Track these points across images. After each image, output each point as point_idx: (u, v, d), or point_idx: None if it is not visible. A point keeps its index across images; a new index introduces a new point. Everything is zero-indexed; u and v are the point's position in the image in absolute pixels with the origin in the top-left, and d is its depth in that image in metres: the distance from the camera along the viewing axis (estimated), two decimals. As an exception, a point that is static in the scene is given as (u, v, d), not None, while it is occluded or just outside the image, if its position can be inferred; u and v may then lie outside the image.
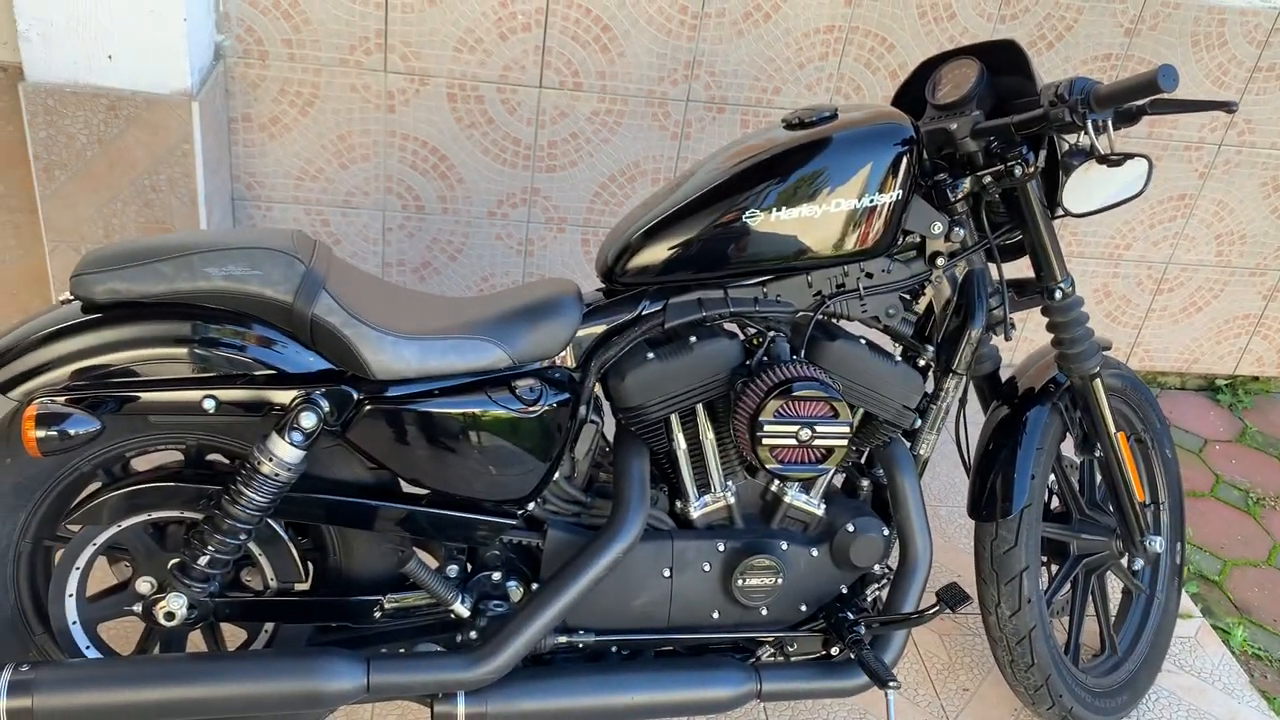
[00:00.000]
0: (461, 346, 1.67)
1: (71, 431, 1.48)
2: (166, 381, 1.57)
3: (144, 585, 1.69)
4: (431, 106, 2.80)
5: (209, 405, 1.58)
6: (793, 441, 1.71)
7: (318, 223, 2.94)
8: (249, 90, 2.71)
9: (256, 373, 1.59)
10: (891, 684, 1.78)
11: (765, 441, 1.70)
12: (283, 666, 1.60)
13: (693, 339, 1.77)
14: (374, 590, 1.76)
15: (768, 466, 1.72)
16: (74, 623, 1.70)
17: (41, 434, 1.46)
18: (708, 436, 1.83)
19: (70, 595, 1.69)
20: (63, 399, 1.51)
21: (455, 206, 2.97)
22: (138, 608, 1.68)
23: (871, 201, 1.74)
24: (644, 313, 1.78)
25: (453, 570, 1.79)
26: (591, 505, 1.85)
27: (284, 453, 1.57)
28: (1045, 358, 2.13)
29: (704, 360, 1.77)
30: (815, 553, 1.89)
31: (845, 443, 1.73)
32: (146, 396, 1.56)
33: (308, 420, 1.57)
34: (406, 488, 1.73)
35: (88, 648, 1.72)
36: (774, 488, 1.89)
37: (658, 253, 1.74)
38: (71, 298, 1.60)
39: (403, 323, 1.66)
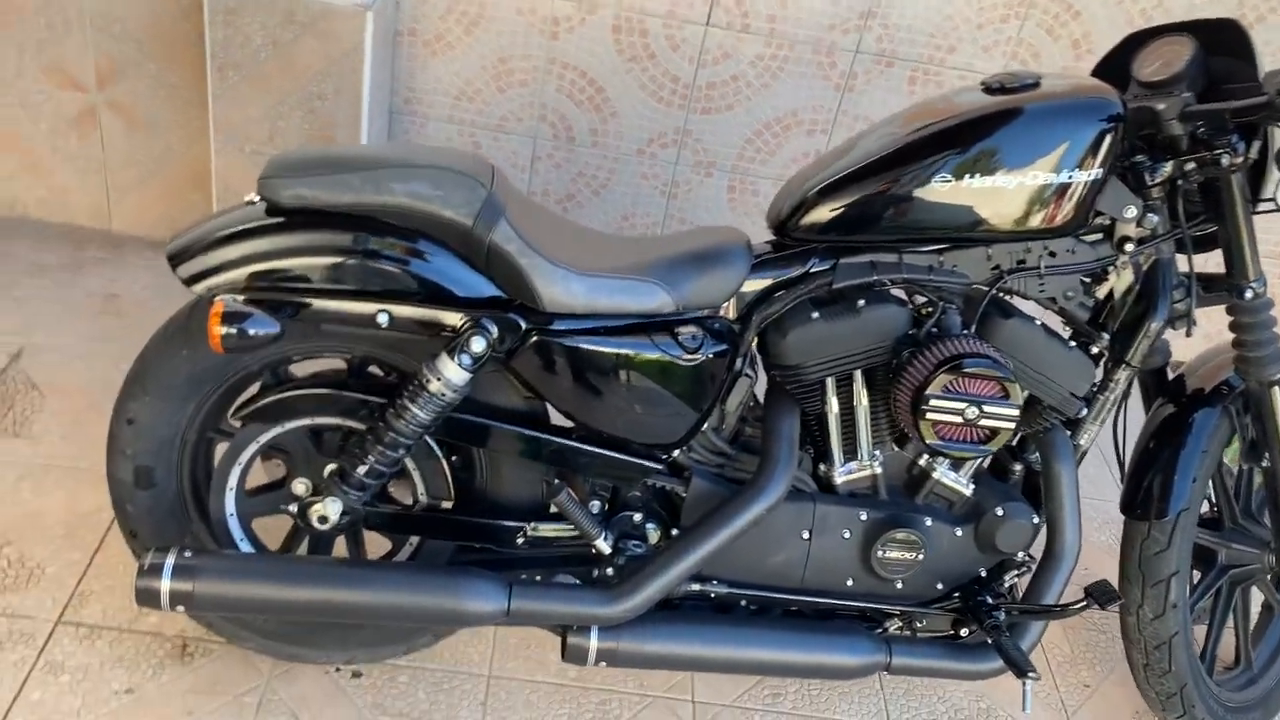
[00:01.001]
0: (630, 287, 1.65)
1: (253, 331, 1.51)
2: (342, 291, 1.59)
3: (299, 487, 1.74)
4: (595, 37, 2.77)
5: (383, 320, 1.59)
6: (958, 419, 1.67)
7: (469, 144, 2.95)
8: (418, 5, 2.71)
9: (429, 292, 1.60)
10: (1031, 674, 1.74)
11: (929, 416, 1.66)
12: (430, 581, 1.63)
13: (860, 302, 1.73)
14: (516, 516, 1.78)
15: (928, 441, 1.68)
16: (231, 515, 1.76)
17: (225, 331, 1.50)
18: (861, 402, 1.80)
19: (230, 489, 1.74)
20: (244, 298, 1.54)
21: (605, 141, 2.94)
22: (293, 508, 1.72)
23: (1069, 178, 1.66)
24: (812, 270, 1.74)
25: (594, 506, 1.80)
26: (736, 459, 1.84)
27: (452, 373, 1.59)
28: (1219, 357, 2.03)
29: (870, 325, 1.72)
30: (959, 532, 1.85)
31: (1012, 425, 1.68)
32: (322, 304, 1.59)
33: (477, 344, 1.58)
34: (556, 419, 1.74)
35: (241, 540, 1.78)
36: (922, 461, 1.85)
37: (834, 210, 1.70)
38: (257, 199, 1.63)
39: (574, 257, 1.65)
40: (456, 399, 1.61)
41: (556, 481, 1.73)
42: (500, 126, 2.92)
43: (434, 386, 1.59)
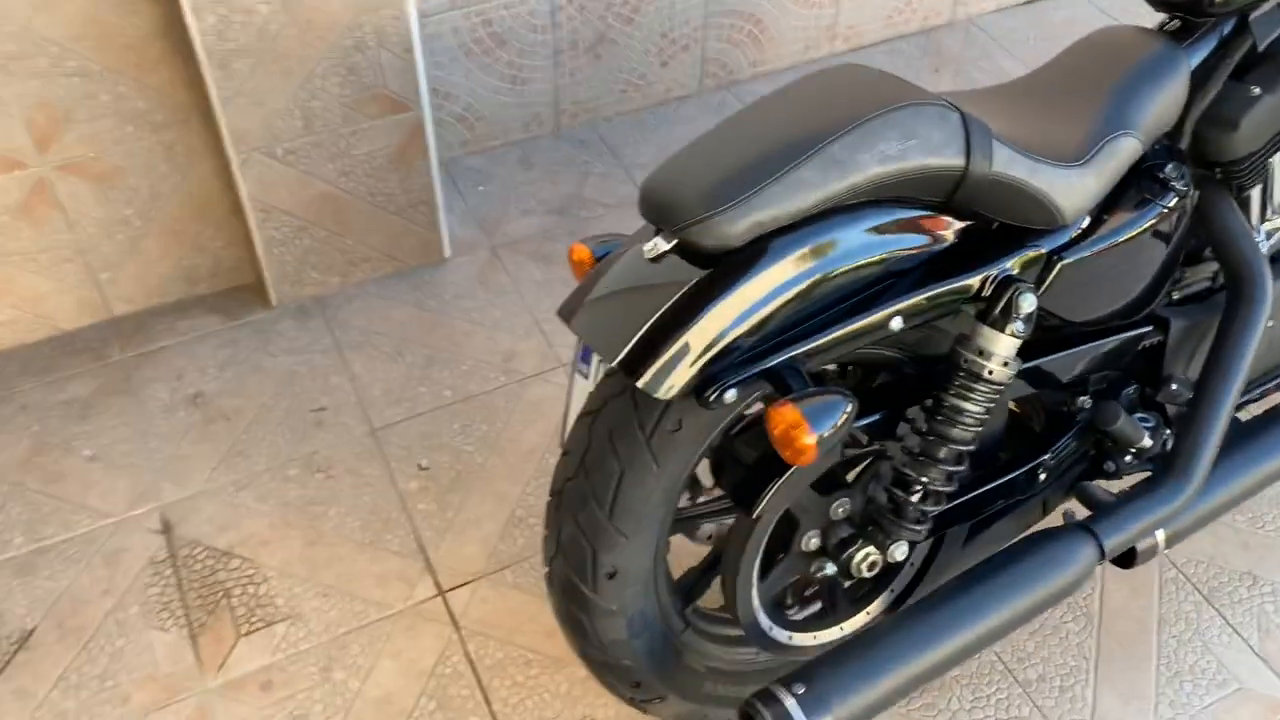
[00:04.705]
0: (1113, 150, 1.34)
1: (841, 419, 1.14)
2: (842, 312, 1.22)
3: (812, 542, 1.41)
4: None
5: (896, 324, 1.25)
6: None
7: (479, 25, 2.35)
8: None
9: (932, 266, 1.26)
10: None
11: None
12: (1033, 566, 1.38)
13: None
14: (1022, 457, 1.53)
15: None
16: (759, 609, 1.43)
17: (818, 437, 1.12)
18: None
19: (753, 586, 1.40)
20: (797, 386, 1.16)
21: (627, -43, 2.41)
22: (829, 569, 1.41)
23: None
24: (1226, 38, 1.47)
25: (1086, 402, 1.56)
26: (1182, 277, 1.62)
27: (1005, 348, 1.27)
28: None
29: None
30: None
31: None
32: (829, 338, 1.22)
33: (1027, 302, 1.26)
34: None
35: (770, 629, 1.46)
36: None
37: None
38: (662, 248, 1.19)
39: (1054, 139, 1.32)
40: (1013, 374, 1.30)
41: (1107, 403, 1.48)
42: (507, 30, 2.33)
43: (989, 371, 1.27)
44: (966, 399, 1.29)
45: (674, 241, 1.18)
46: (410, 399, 2.08)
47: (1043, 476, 1.54)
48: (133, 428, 2.02)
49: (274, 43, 1.84)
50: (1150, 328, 1.53)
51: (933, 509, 1.35)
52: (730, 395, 1.17)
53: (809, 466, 1.29)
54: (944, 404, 1.30)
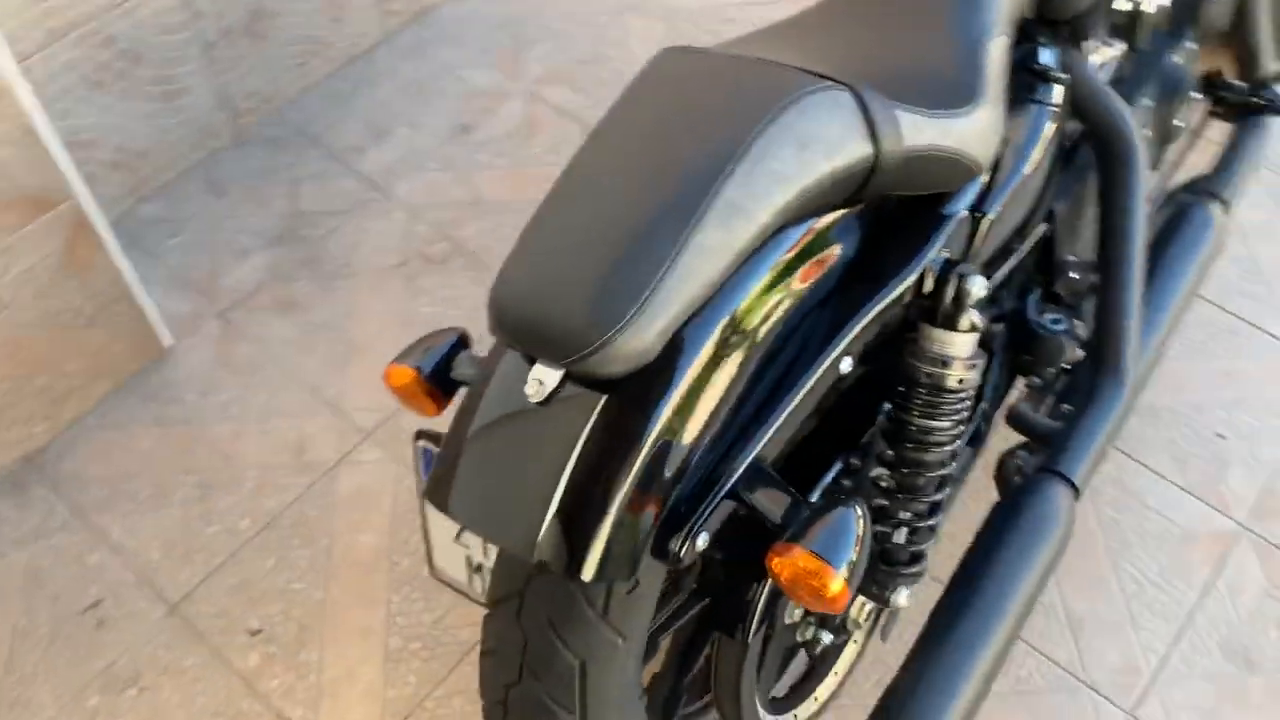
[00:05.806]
0: (995, 60, 1.11)
1: (858, 534, 0.88)
2: (781, 374, 0.96)
3: (795, 612, 1.18)
4: None
5: (847, 365, 1.00)
6: None
7: (98, 47, 1.81)
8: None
9: (865, 279, 1.01)
10: None
11: None
12: (1029, 542, 1.21)
13: None
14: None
15: None
16: (763, 708, 1.19)
17: (845, 574, 0.86)
18: None
19: (755, 689, 1.16)
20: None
21: (254, -93, 1.90)
22: (825, 637, 1.18)
23: None
24: None
25: (999, 327, 1.38)
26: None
27: (966, 347, 1.05)
28: None
29: None
30: None
31: None
32: (784, 416, 0.96)
33: (977, 286, 1.03)
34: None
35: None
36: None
37: None
38: (547, 386, 0.88)
39: (932, 77, 1.07)
40: (982, 372, 1.08)
41: (1048, 340, 1.30)
42: (137, 41, 1.79)
43: (958, 380, 1.05)
44: (935, 418, 1.06)
45: (561, 372, 0.86)
46: (201, 548, 1.65)
47: (984, 426, 1.36)
48: None
49: None
50: (1045, 224, 1.36)
51: (925, 544, 1.14)
52: (702, 541, 0.90)
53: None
54: (909, 427, 1.07)
